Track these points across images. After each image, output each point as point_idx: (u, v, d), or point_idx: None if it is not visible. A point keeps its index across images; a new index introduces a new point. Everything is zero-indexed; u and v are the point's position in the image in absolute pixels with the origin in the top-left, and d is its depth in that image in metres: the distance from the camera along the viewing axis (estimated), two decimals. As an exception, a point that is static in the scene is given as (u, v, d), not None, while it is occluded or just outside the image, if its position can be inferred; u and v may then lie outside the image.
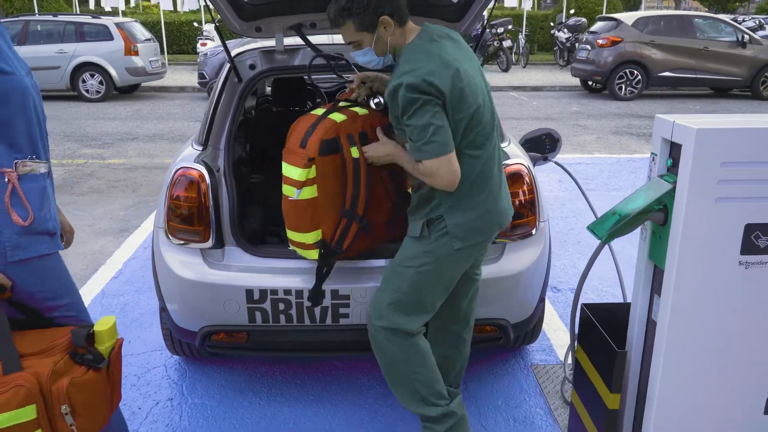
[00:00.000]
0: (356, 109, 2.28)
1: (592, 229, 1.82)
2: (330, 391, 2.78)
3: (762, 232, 1.69)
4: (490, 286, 2.49)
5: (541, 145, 3.19)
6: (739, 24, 18.73)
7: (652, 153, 1.82)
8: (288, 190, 2.18)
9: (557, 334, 3.26)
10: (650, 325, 1.89)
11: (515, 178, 2.54)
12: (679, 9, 44.00)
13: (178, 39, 21.34)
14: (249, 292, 2.40)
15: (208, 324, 2.49)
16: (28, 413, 1.54)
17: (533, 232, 2.58)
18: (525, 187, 2.55)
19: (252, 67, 2.72)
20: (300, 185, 2.14)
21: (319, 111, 2.25)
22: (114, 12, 20.23)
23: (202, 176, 2.46)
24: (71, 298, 1.85)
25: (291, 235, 2.28)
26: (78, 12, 21.44)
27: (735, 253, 1.71)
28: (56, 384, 1.59)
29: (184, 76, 15.61)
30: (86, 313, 1.91)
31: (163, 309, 2.63)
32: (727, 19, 12.30)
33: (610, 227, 1.77)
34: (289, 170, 2.17)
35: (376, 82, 2.31)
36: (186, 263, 2.47)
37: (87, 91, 11.75)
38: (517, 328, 2.62)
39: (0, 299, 1.67)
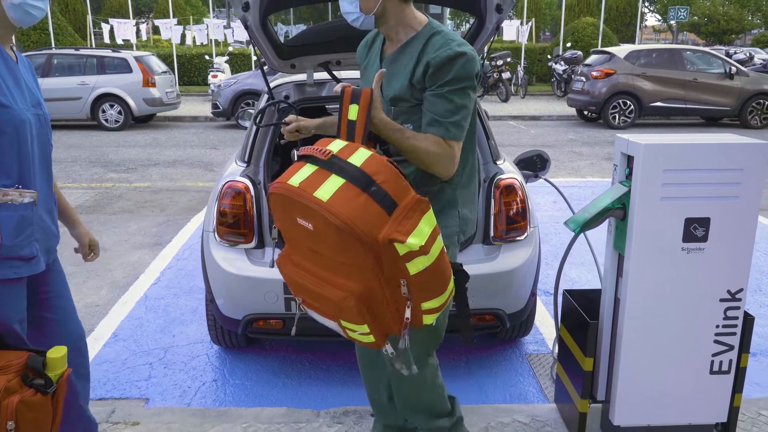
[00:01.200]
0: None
1: (567, 223, 2.30)
2: (351, 374, 3.22)
3: (698, 224, 2.17)
4: (489, 281, 2.95)
5: (533, 165, 3.68)
6: (730, 56, 19.47)
7: (614, 164, 2.31)
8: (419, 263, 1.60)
9: (549, 329, 3.70)
10: (617, 302, 2.35)
11: (509, 190, 3.03)
12: (675, 41, 44.99)
13: (189, 71, 22.11)
14: (286, 285, 2.87)
15: (250, 312, 2.95)
16: None
17: (525, 235, 3.06)
18: (517, 198, 3.04)
19: (287, 97, 3.23)
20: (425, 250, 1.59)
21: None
22: (126, 45, 21.04)
23: (247, 188, 2.96)
24: (22, 328, 1.91)
25: (431, 304, 1.70)
26: (93, 45, 22.28)
27: (678, 241, 2.18)
28: (7, 400, 1.66)
29: (196, 107, 16.25)
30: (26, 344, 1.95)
31: (210, 301, 3.09)
32: (715, 52, 12.93)
33: (581, 222, 2.25)
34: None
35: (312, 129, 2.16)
36: (232, 261, 2.95)
37: (106, 120, 12.35)
38: (512, 318, 3.07)
39: None
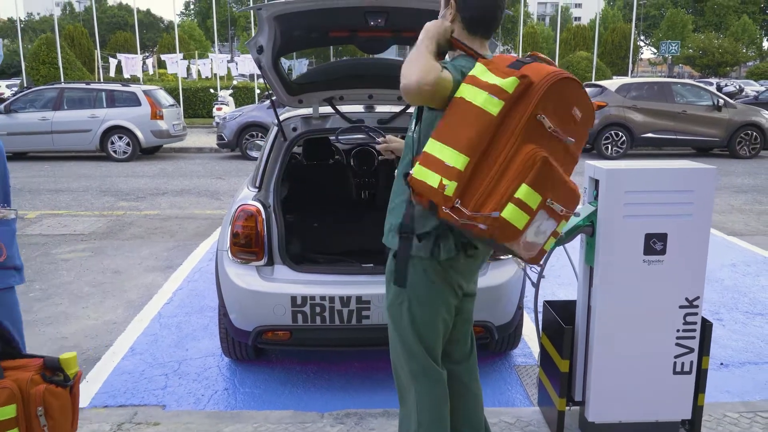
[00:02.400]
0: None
1: (543, 240, 2.60)
2: (352, 383, 3.49)
3: (657, 239, 2.47)
4: (478, 296, 3.23)
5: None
6: (721, 89, 20.01)
7: (583, 186, 2.63)
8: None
9: (536, 343, 3.97)
10: (589, 310, 2.64)
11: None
12: (671, 73, 45.66)
13: (194, 104, 22.66)
14: (293, 298, 3.16)
15: (259, 324, 3.23)
16: (9, 411, 1.79)
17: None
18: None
19: (294, 129, 3.56)
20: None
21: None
22: (134, 80, 21.63)
23: (258, 210, 3.27)
24: (20, 333, 2.08)
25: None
26: (101, 79, 22.88)
27: (639, 254, 2.48)
28: (34, 389, 1.84)
29: (201, 138, 16.69)
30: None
31: (224, 315, 3.37)
32: (703, 85, 13.38)
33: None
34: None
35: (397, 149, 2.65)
36: (244, 276, 3.24)
37: (115, 151, 12.74)
38: (500, 330, 3.35)
39: None
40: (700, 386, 2.67)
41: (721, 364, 3.68)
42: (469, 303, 2.39)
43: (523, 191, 1.75)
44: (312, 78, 3.52)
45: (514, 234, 1.78)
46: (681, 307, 2.55)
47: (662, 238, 2.47)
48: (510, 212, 1.75)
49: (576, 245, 2.74)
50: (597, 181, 2.52)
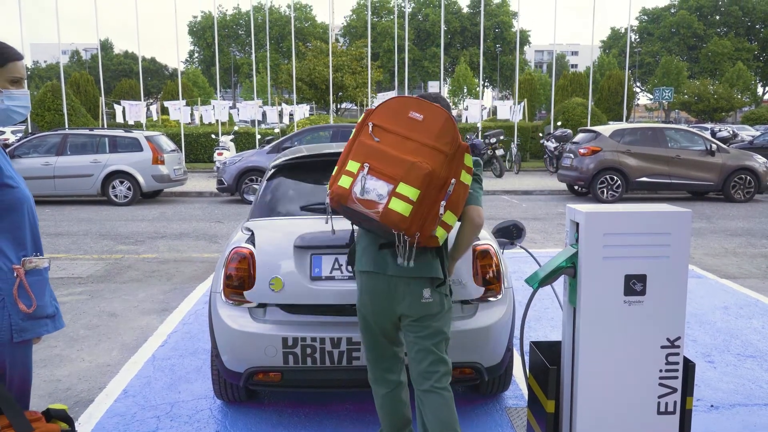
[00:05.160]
0: None
1: (527, 281, 2.67)
2: (343, 424, 3.50)
3: (637, 280, 2.54)
4: (467, 337, 3.28)
5: (509, 233, 4.07)
6: (715, 134, 20.31)
7: (566, 230, 2.71)
8: (466, 179, 2.50)
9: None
10: (574, 350, 2.69)
11: (483, 254, 3.41)
12: (668, 119, 46.26)
13: (196, 149, 22.97)
14: (284, 340, 3.20)
15: (251, 366, 3.26)
16: None
17: (499, 296, 3.42)
18: (492, 262, 3.42)
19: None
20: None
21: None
22: (137, 125, 22.00)
23: (251, 253, 3.34)
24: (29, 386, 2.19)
25: (450, 220, 2.50)
26: (105, 125, 23.26)
27: (620, 294, 2.55)
28: (49, 425, 2.02)
29: (201, 182, 16.88)
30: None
31: (216, 356, 3.41)
32: (696, 130, 13.61)
33: (538, 279, 2.62)
34: (467, 160, 2.49)
35: None
36: (237, 318, 3.29)
37: (116, 196, 12.90)
38: (490, 372, 3.38)
39: None
40: (684, 427, 2.69)
41: (712, 406, 3.69)
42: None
43: (348, 163, 2.45)
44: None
45: (344, 193, 2.40)
46: (663, 347, 2.59)
47: (641, 279, 2.54)
48: (342, 180, 2.43)
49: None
50: (577, 224, 2.60)
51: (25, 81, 2.19)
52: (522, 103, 23.57)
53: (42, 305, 2.06)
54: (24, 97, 2.13)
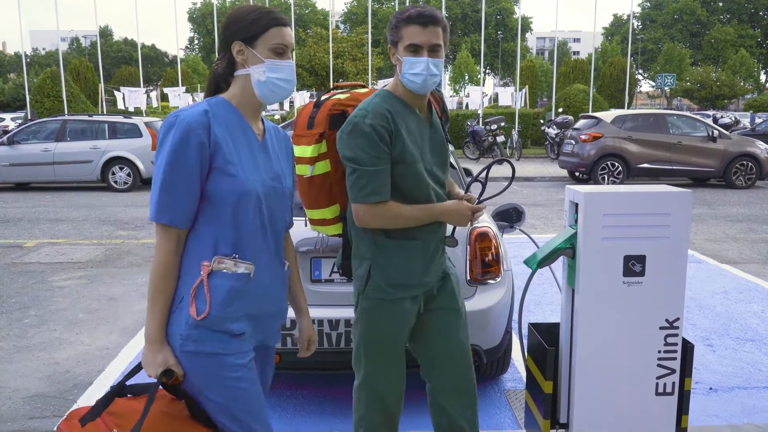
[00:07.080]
0: (358, 90, 2.51)
1: (526, 262, 2.66)
2: (342, 407, 3.50)
3: (636, 261, 2.52)
4: (467, 318, 3.27)
5: (509, 217, 4.06)
6: (717, 120, 20.23)
7: (564, 210, 2.69)
8: (302, 170, 2.37)
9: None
10: (572, 331, 2.68)
11: (483, 237, 3.40)
12: (670, 106, 46.08)
13: (195, 136, 22.86)
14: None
15: (250, 348, 3.26)
16: None
17: (498, 278, 3.41)
18: (491, 244, 3.41)
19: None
20: (313, 161, 2.32)
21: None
22: (137, 112, 21.95)
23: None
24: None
25: (310, 214, 2.53)
26: (104, 112, 23.21)
27: (619, 275, 2.53)
28: None
29: (201, 169, 16.83)
30: None
31: (214, 338, 3.40)
32: (698, 117, 13.54)
33: (537, 260, 2.60)
34: (300, 151, 2.33)
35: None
36: (235, 300, 3.29)
37: (116, 182, 12.88)
38: (489, 354, 3.38)
39: (165, 383, 1.75)
40: (683, 408, 2.68)
41: (711, 388, 3.69)
42: None
43: None
44: None
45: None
46: (661, 328, 2.58)
47: (641, 259, 2.52)
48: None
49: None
50: (576, 205, 2.58)
51: (292, 51, 1.84)
52: (523, 90, 23.47)
53: (219, 316, 1.72)
54: (288, 69, 1.79)
